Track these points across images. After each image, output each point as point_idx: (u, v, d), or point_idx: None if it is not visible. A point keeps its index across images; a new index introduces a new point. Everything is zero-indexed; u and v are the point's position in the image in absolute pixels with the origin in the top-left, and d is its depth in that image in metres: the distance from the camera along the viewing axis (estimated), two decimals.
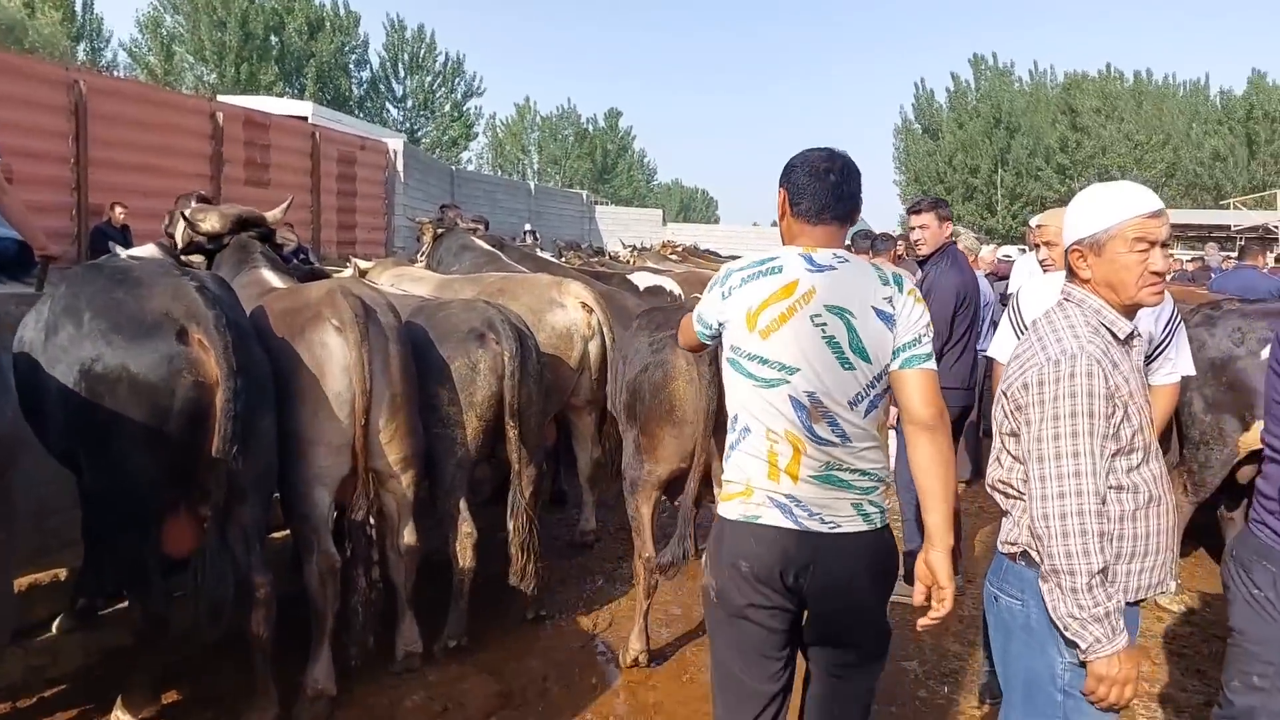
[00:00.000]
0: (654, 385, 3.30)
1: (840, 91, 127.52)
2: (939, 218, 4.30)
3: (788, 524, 1.96)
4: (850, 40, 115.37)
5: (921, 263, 4.40)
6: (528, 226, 23.09)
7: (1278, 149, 37.03)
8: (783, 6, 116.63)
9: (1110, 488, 1.82)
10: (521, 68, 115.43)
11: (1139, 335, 1.97)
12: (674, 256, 12.44)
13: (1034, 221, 4.35)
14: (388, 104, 41.39)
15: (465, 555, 3.54)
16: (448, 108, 42.29)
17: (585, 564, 4.72)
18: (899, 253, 7.34)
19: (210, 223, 3.99)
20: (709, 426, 3.09)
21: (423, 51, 41.44)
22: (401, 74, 41.38)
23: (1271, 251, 14.71)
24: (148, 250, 3.65)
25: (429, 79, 41.68)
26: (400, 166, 21.58)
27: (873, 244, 7.10)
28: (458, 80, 42.38)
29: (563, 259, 9.88)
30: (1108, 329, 1.90)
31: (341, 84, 38.30)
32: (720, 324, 2.07)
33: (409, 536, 3.40)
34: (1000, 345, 3.33)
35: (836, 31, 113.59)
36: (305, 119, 19.65)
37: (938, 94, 41.49)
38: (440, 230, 6.93)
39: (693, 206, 65.36)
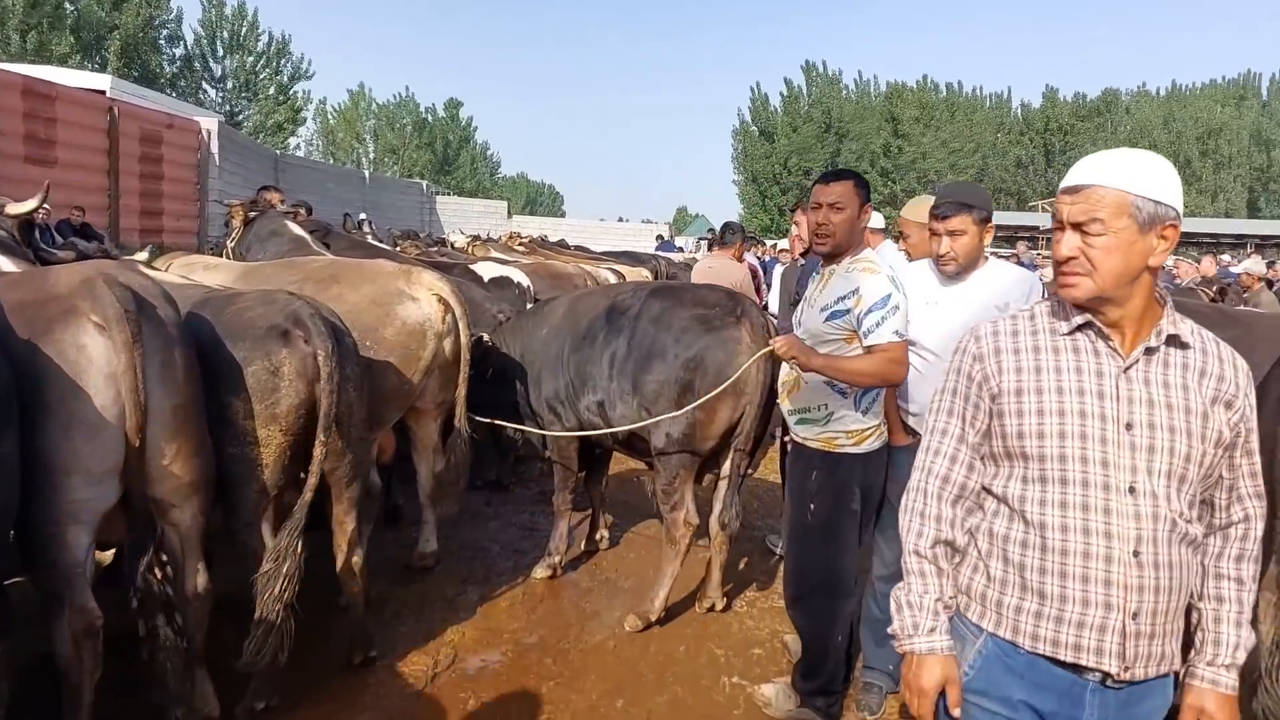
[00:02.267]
0: (719, 362, 3.54)
1: (683, 93, 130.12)
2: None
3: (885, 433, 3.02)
4: (691, 42, 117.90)
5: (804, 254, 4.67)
6: (362, 215, 21.78)
7: (1070, 158, 40.79)
8: (625, 9, 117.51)
9: (988, 492, 1.70)
10: (355, 53, 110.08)
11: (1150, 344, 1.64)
12: (520, 247, 11.88)
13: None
14: (205, 84, 38.60)
15: (262, 590, 2.92)
16: (272, 90, 39.83)
17: (424, 590, 4.17)
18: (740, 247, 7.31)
19: None
20: (764, 397, 3.50)
21: (244, 30, 38.95)
22: (220, 53, 38.79)
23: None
24: None
25: (250, 59, 39.26)
26: (215, 148, 19.72)
27: (721, 235, 7.21)
28: (283, 62, 40.11)
29: (397, 249, 9.15)
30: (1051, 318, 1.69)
31: (151, 60, 35.00)
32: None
33: (197, 578, 2.77)
34: None
35: (678, 32, 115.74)
36: (102, 93, 17.60)
37: (773, 98, 42.87)
38: (252, 214, 6.12)
39: (539, 201, 64.59)
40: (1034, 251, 15.90)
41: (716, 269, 5.76)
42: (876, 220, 6.32)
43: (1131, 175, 1.56)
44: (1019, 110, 44.06)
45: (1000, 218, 31.90)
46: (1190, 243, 28.37)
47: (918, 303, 2.95)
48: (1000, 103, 44.16)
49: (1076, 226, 1.60)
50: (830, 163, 40.24)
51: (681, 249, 22.33)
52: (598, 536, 4.83)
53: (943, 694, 1.69)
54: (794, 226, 5.33)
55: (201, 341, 2.83)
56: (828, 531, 2.94)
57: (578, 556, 4.69)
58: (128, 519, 2.55)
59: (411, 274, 3.88)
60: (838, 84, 43.09)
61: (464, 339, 3.88)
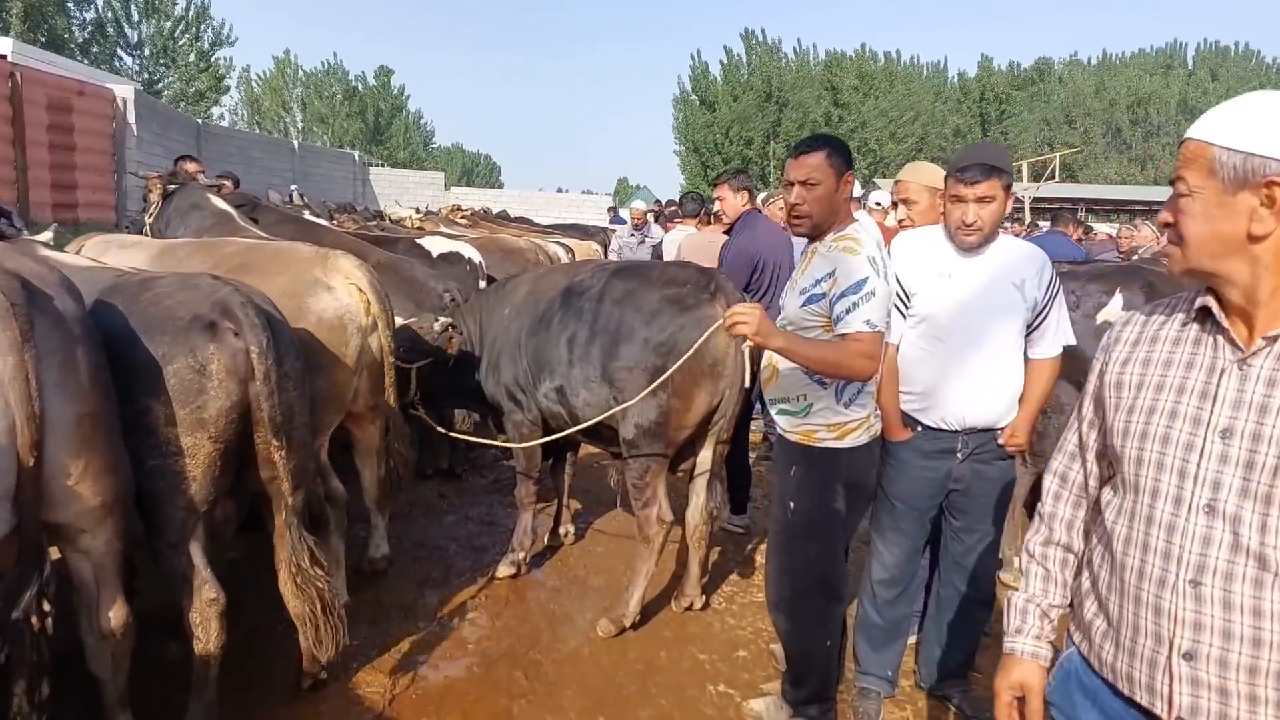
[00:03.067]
0: (693, 343, 3.10)
1: (621, 61, 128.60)
2: (733, 189, 4.70)
3: (879, 426, 2.73)
4: (629, 8, 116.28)
5: (726, 231, 4.74)
6: (294, 188, 20.87)
7: (1006, 126, 41.48)
8: None
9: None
10: (280, 18, 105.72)
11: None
12: (463, 220, 11.38)
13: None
14: (120, 51, 36.62)
15: (209, 631, 2.57)
16: (192, 57, 38.07)
17: (378, 598, 3.83)
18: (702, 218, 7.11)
19: None
20: (744, 381, 2.80)
21: None
22: (135, 18, 36.75)
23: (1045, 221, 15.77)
24: None
25: (169, 24, 37.32)
26: (132, 118, 18.58)
27: (682, 204, 7.30)
28: (204, 27, 38.29)
29: (334, 223, 8.61)
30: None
31: (58, 24, 32.95)
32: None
33: (115, 612, 2.40)
34: (894, 327, 2.80)
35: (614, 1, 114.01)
36: (3, 57, 16.38)
37: (713, 67, 42.47)
38: (171, 187, 5.59)
39: (476, 171, 63.27)
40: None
41: (702, 244, 5.43)
42: (884, 196, 6.12)
43: (1217, 121, 1.29)
44: (955, 79, 44.48)
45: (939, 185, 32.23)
46: (1123, 210, 29.03)
47: (930, 273, 2.70)
48: (937, 71, 44.50)
49: (1172, 185, 1.35)
50: (771, 132, 40.17)
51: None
52: (562, 531, 4.54)
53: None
54: (716, 202, 5.12)
55: (112, 336, 2.43)
56: (810, 531, 2.67)
57: (542, 552, 4.40)
58: (19, 549, 2.16)
59: (328, 258, 3.45)
60: (777, 52, 42.89)
61: (383, 337, 3.46)
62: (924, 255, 2.73)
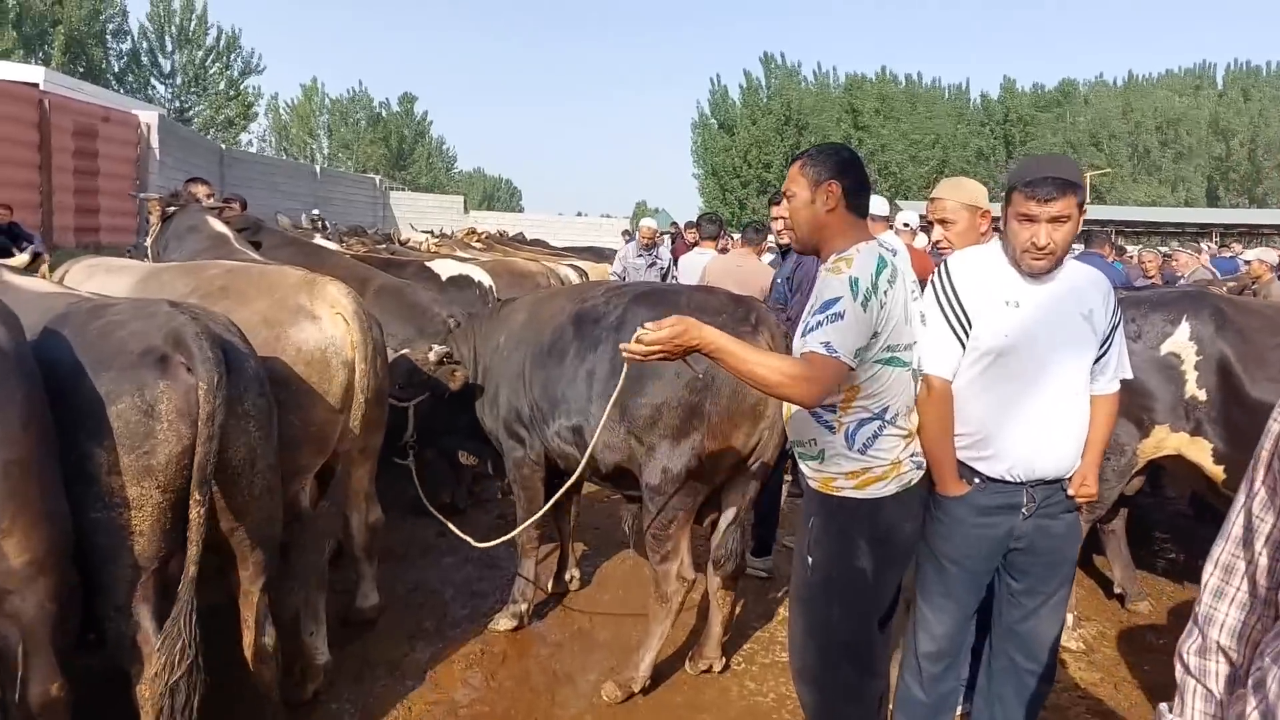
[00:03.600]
0: (734, 380, 2.60)
1: (641, 85, 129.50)
2: None
3: (919, 474, 2.37)
4: (650, 34, 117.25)
5: (784, 252, 4.35)
6: (315, 211, 20.92)
7: (1031, 148, 40.90)
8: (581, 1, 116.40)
9: None
10: (308, 47, 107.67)
11: None
12: (478, 244, 11.18)
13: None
14: (153, 79, 37.57)
15: (156, 708, 2.27)
16: (222, 85, 38.94)
17: (364, 652, 3.52)
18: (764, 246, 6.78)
19: None
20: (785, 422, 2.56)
21: (193, 24, 37.94)
22: (169, 48, 37.67)
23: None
24: None
25: (200, 54, 38.22)
26: (155, 143, 18.69)
27: (698, 225, 7.08)
28: (234, 56, 39.27)
29: (343, 245, 8.42)
30: None
31: (95, 55, 33.70)
32: (875, 335, 2.15)
33: (47, 685, 2.12)
34: (940, 355, 2.37)
35: (636, 23, 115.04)
36: (35, 85, 16.56)
37: (731, 91, 42.45)
38: (171, 209, 5.40)
39: (497, 196, 63.63)
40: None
41: (729, 269, 5.09)
42: (880, 205, 5.78)
43: None
44: (978, 101, 44.12)
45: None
46: (1154, 232, 28.46)
47: (995, 301, 2.34)
48: (959, 94, 44.15)
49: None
50: (790, 155, 39.95)
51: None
52: (567, 576, 4.22)
53: None
54: (775, 223, 4.86)
55: (54, 371, 2.17)
56: (830, 590, 2.32)
57: (545, 601, 4.08)
58: None
59: (315, 286, 3.14)
60: (796, 76, 42.81)
61: (359, 371, 3.11)
62: (987, 280, 2.38)
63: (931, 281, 2.43)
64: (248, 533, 2.43)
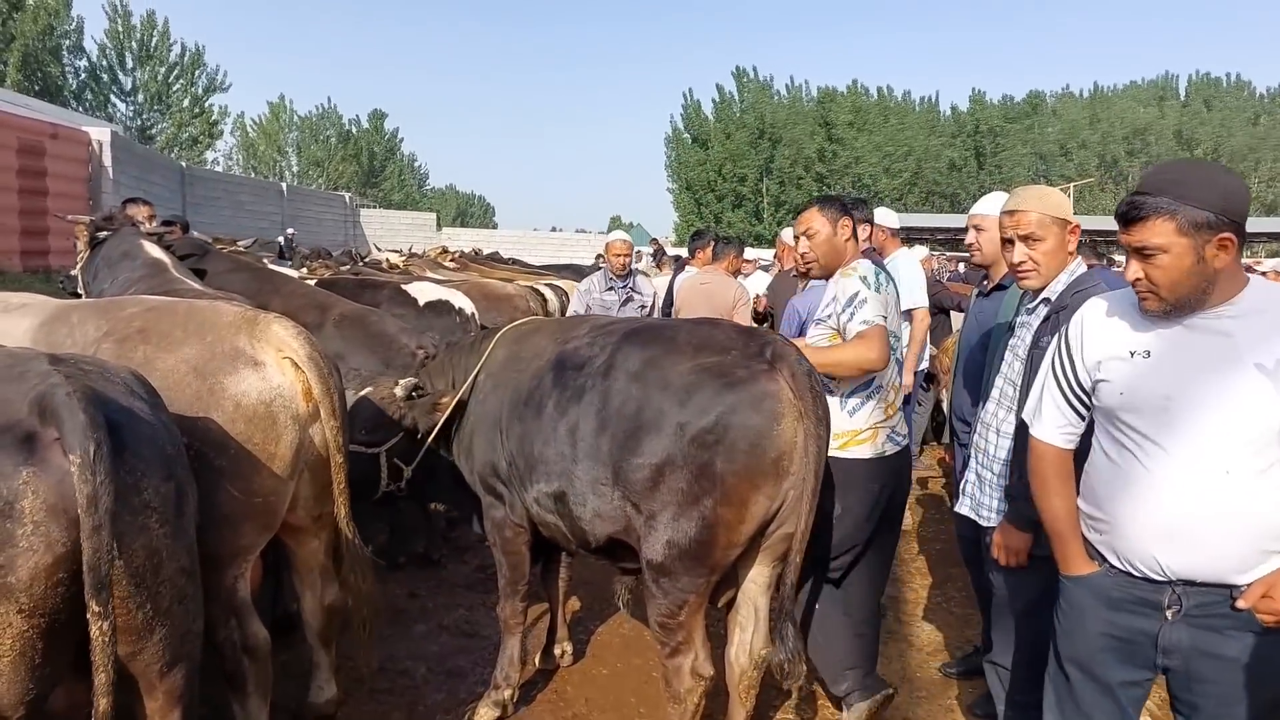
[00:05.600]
0: (752, 431, 2.47)
1: (612, 99, 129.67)
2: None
3: (894, 449, 3.04)
4: (620, 47, 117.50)
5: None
6: (290, 231, 20.25)
7: (1001, 160, 41.14)
8: (548, 11, 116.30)
9: None
10: (274, 64, 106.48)
11: None
12: (451, 264, 10.63)
13: (987, 209, 3.25)
14: (113, 97, 36.67)
15: None
16: (186, 103, 38.17)
17: None
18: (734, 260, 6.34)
19: None
20: (819, 475, 2.52)
21: (154, 40, 37.22)
22: (130, 64, 36.97)
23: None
24: None
25: (162, 71, 37.53)
26: (109, 161, 17.95)
27: (698, 242, 6.54)
28: (197, 73, 38.55)
29: (306, 268, 7.86)
30: None
31: (52, 71, 32.81)
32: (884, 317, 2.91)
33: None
34: (1045, 416, 2.04)
35: (606, 38, 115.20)
36: None
37: (704, 105, 42.25)
38: (103, 234, 4.83)
39: (470, 212, 63.01)
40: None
41: (709, 286, 4.63)
42: (890, 219, 5.36)
43: None
44: (949, 113, 44.30)
45: (934, 220, 31.56)
46: None
47: (1120, 351, 1.89)
48: (930, 106, 44.31)
49: None
50: (764, 169, 39.82)
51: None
52: (558, 651, 3.67)
53: None
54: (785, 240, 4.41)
55: None
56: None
57: (533, 679, 3.54)
58: None
59: (256, 325, 2.60)
60: (769, 90, 42.77)
61: (329, 429, 2.62)
62: (1119, 325, 1.91)
63: (1060, 330, 2.02)
64: (154, 656, 1.87)
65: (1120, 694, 1.92)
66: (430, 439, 3.34)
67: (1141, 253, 1.76)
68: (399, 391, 3.42)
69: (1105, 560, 1.92)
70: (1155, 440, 1.81)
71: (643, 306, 5.79)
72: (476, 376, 3.26)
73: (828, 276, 3.09)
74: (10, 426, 1.68)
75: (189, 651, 1.97)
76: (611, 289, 5.75)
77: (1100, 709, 1.95)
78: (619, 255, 5.78)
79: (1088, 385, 1.93)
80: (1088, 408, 1.96)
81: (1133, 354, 1.86)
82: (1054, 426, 2.01)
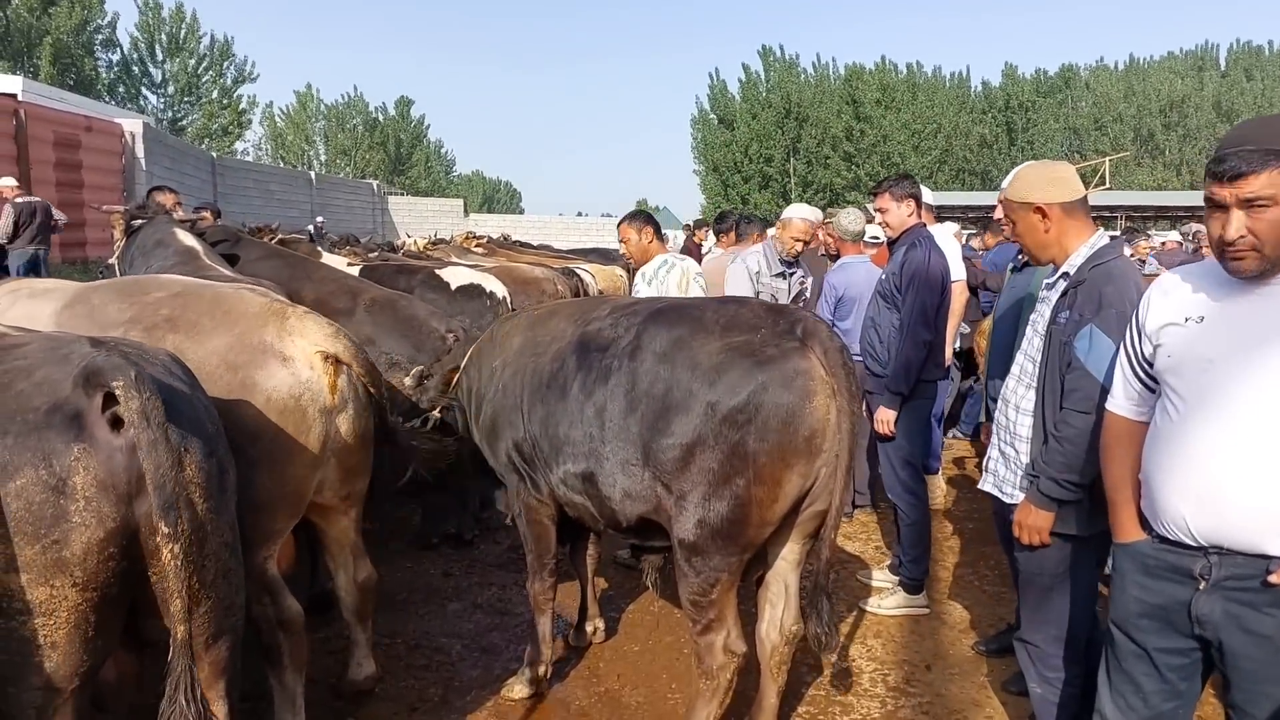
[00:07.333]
0: (784, 409, 2.47)
1: (637, 82, 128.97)
2: (896, 198, 4.07)
3: None
4: (644, 31, 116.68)
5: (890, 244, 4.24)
6: (319, 219, 20.50)
7: (1033, 135, 40.38)
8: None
9: None
10: (301, 54, 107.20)
11: None
12: (479, 249, 10.68)
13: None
14: (144, 89, 37.46)
15: None
16: (215, 94, 38.66)
17: None
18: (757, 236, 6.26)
19: None
20: (853, 452, 2.52)
21: (184, 32, 37.77)
22: (160, 57, 37.59)
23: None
24: None
25: (192, 62, 38.08)
26: (141, 152, 18.25)
27: (736, 227, 6.51)
28: (226, 64, 39.13)
29: (343, 255, 7.92)
30: None
31: (85, 65, 33.38)
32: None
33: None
34: (1115, 384, 2.07)
35: (630, 20, 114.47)
36: (13, 96, 16.15)
37: (730, 85, 41.91)
38: (137, 222, 4.92)
39: (496, 198, 63.17)
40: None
41: (720, 270, 4.64)
42: (925, 195, 5.32)
43: None
44: (980, 88, 43.55)
45: (966, 198, 31.09)
46: (1164, 216, 27.87)
47: (1176, 318, 1.87)
48: (960, 82, 43.57)
49: None
50: (791, 148, 39.46)
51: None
52: (589, 628, 3.71)
53: None
54: (878, 214, 4.28)
55: None
56: None
57: (565, 658, 3.59)
58: None
59: (285, 319, 2.64)
60: (795, 68, 42.29)
61: (355, 411, 2.69)
62: (1186, 292, 1.89)
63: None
64: (200, 628, 1.92)
65: (1159, 660, 1.90)
66: (439, 409, 3.43)
67: (1253, 204, 1.70)
68: (409, 380, 3.54)
69: (1152, 530, 1.91)
70: (1191, 401, 1.80)
71: (804, 300, 5.17)
72: (495, 361, 3.29)
73: None
74: (59, 405, 1.74)
75: (232, 624, 2.03)
76: (782, 274, 4.98)
77: (1142, 673, 1.94)
78: (798, 238, 4.90)
79: (1150, 355, 1.93)
80: (1153, 379, 1.94)
81: (1186, 319, 1.85)
82: (1123, 396, 2.02)
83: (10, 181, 11.72)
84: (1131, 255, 9.02)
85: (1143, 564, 1.91)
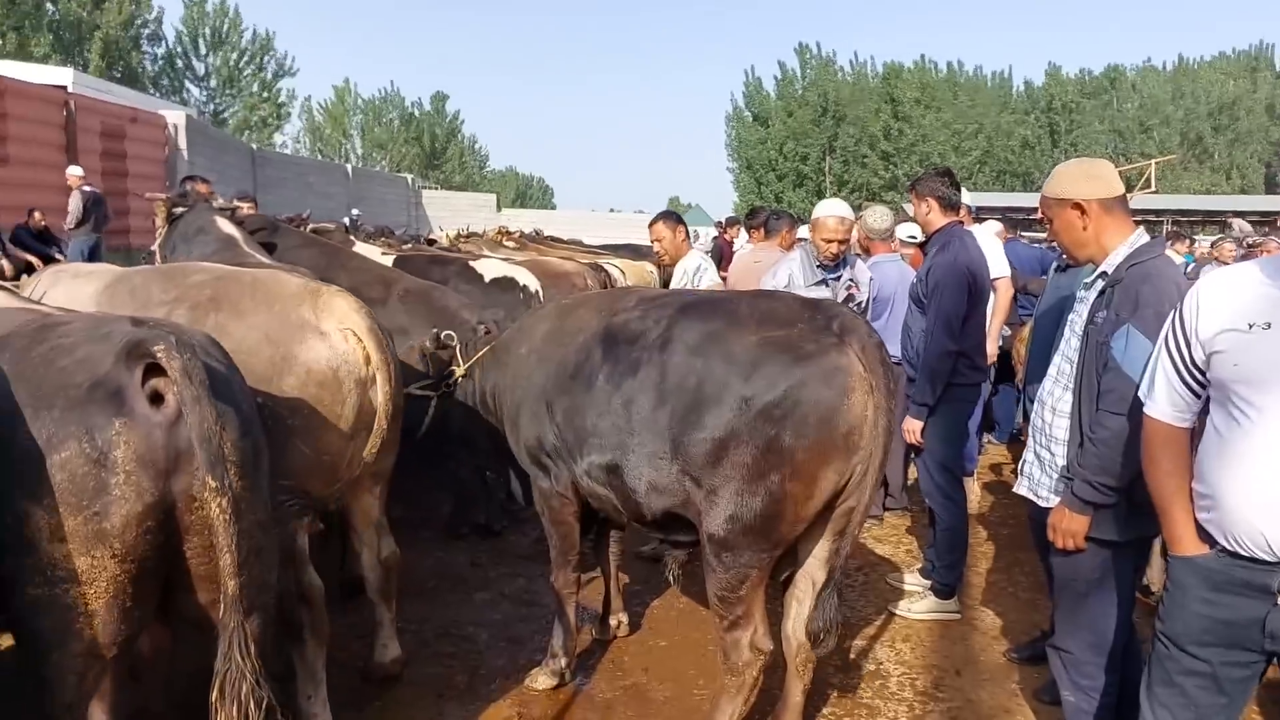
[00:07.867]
0: (823, 406, 2.45)
1: (671, 78, 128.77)
2: (917, 196, 4.02)
3: None
4: (680, 26, 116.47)
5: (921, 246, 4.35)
6: (355, 211, 20.72)
7: (1076, 137, 39.69)
8: None
9: None
10: (340, 48, 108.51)
11: None
12: (510, 244, 10.72)
13: None
14: (188, 82, 38.38)
15: None
16: (256, 87, 39.38)
17: (383, 716, 3.07)
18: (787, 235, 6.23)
19: None
20: (887, 450, 2.54)
21: (226, 26, 38.58)
22: (203, 50, 38.42)
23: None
24: None
25: (234, 56, 38.88)
26: (184, 143, 18.57)
27: (765, 223, 6.50)
28: (267, 58, 39.90)
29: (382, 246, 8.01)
30: None
31: (132, 59, 34.20)
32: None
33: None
34: (1156, 390, 1.98)
35: (666, 16, 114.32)
36: (64, 88, 16.54)
37: (766, 82, 41.72)
38: (179, 210, 5.01)
39: (529, 194, 63.52)
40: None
41: (760, 266, 4.62)
42: (965, 196, 5.27)
43: None
44: (1022, 88, 42.88)
45: (1008, 199, 30.67)
46: (1212, 221, 27.25)
47: (1238, 324, 1.79)
48: (1002, 81, 42.98)
49: None
50: (827, 147, 39.18)
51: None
52: (613, 622, 3.71)
53: None
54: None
55: None
56: None
57: (590, 651, 3.59)
58: None
59: (320, 297, 2.74)
60: (832, 65, 41.99)
61: (382, 395, 2.73)
62: (1240, 296, 1.82)
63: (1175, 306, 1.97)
64: (233, 600, 1.95)
65: (1221, 673, 1.86)
66: (463, 370, 3.57)
67: None
68: (428, 343, 3.72)
69: (1215, 543, 1.85)
70: (1267, 411, 1.74)
71: (860, 305, 4.41)
72: (520, 351, 3.31)
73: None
74: (101, 381, 1.78)
75: (264, 602, 2.06)
76: (824, 282, 4.27)
77: (1196, 686, 1.89)
78: (830, 239, 4.19)
79: (1201, 361, 1.86)
80: (1202, 385, 1.88)
81: (1251, 326, 1.77)
82: (1166, 403, 1.94)
83: (78, 170, 12.30)
84: (1214, 258, 8.75)
85: (1210, 580, 1.84)
